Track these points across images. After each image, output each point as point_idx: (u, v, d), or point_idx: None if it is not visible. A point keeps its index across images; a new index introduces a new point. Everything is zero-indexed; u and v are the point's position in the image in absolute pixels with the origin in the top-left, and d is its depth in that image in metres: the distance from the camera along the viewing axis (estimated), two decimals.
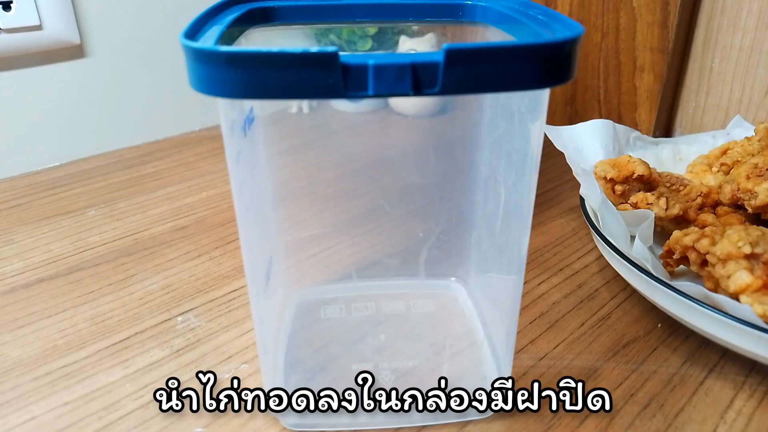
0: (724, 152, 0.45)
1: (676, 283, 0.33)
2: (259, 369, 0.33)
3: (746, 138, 0.45)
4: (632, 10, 0.57)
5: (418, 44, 0.34)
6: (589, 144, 0.47)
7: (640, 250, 0.35)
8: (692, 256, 0.35)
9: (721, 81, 0.58)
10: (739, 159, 0.43)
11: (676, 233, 0.36)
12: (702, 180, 0.44)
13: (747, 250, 0.31)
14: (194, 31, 0.21)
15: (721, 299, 0.30)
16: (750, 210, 0.39)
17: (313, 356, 0.32)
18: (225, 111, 0.23)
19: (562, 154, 0.44)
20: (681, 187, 0.42)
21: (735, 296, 0.31)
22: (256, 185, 0.27)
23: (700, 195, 0.42)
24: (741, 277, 0.31)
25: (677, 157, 0.50)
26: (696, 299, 0.31)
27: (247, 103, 0.25)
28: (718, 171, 0.44)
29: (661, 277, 0.33)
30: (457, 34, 0.31)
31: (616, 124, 0.48)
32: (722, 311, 0.30)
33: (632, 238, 0.40)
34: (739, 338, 0.30)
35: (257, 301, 0.27)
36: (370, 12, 0.29)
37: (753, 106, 0.56)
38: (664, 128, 0.62)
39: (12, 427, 0.30)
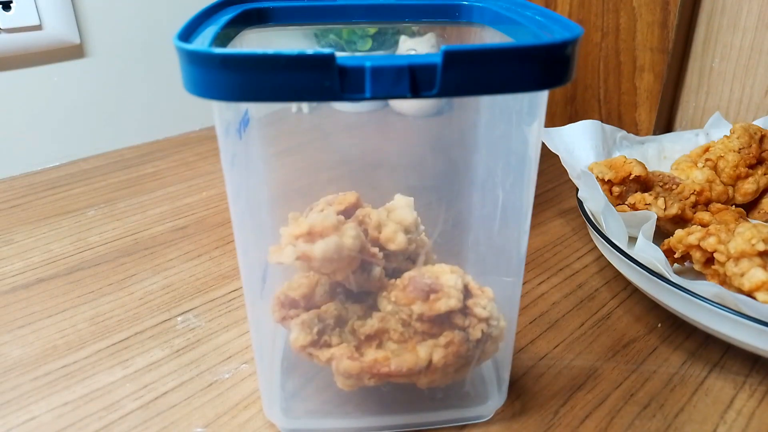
0: (706, 150, 0.46)
1: (683, 282, 0.33)
2: None
3: (725, 136, 0.46)
4: (632, 10, 0.57)
5: (417, 44, 0.34)
6: (579, 146, 0.47)
7: (650, 251, 0.35)
8: (696, 254, 0.35)
9: (721, 81, 0.57)
10: (722, 155, 0.44)
11: (679, 232, 0.36)
12: (689, 176, 0.44)
13: (761, 247, 0.32)
14: (188, 32, 0.21)
15: (741, 298, 0.30)
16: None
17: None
18: (220, 113, 0.23)
19: None
20: (674, 186, 0.43)
21: (750, 293, 0.32)
22: (251, 188, 0.27)
23: (693, 193, 0.42)
24: (756, 274, 0.31)
25: (662, 155, 0.51)
26: (715, 302, 0.31)
27: (243, 105, 0.25)
28: (703, 166, 0.45)
29: (674, 279, 0.33)
30: (457, 35, 0.31)
31: (604, 125, 0.49)
32: (730, 308, 0.30)
33: (630, 238, 0.40)
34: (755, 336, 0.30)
35: (253, 304, 0.27)
36: (365, 13, 0.28)
37: (753, 106, 0.56)
38: (665, 128, 0.62)
39: (12, 427, 0.30)
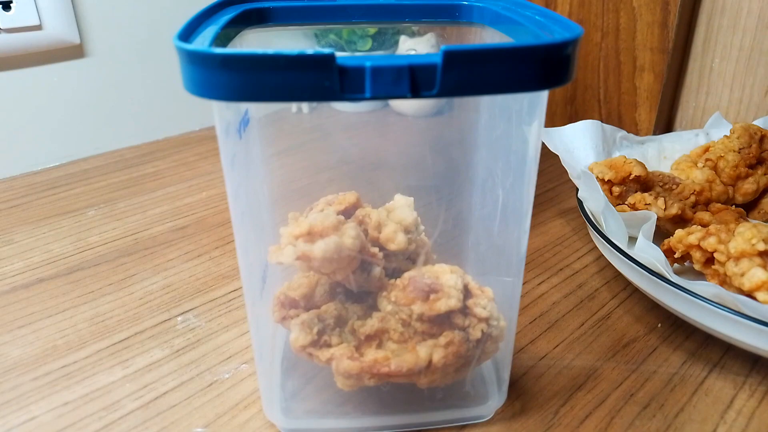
0: (706, 150, 0.47)
1: (684, 282, 0.33)
2: None
3: (725, 136, 0.46)
4: (632, 10, 0.57)
5: (417, 44, 0.34)
6: (579, 146, 0.47)
7: (650, 251, 0.35)
8: (696, 254, 0.35)
9: (721, 81, 0.57)
10: (722, 155, 0.44)
11: (679, 232, 0.36)
12: (689, 176, 0.44)
13: (761, 247, 0.32)
14: (188, 32, 0.21)
15: (741, 299, 0.30)
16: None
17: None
18: (220, 113, 0.23)
19: None
20: (674, 186, 0.43)
21: (750, 293, 0.32)
22: (251, 187, 0.27)
23: (693, 193, 0.42)
24: (756, 274, 0.31)
25: (662, 155, 0.51)
26: (715, 302, 0.31)
27: (243, 105, 0.25)
28: (703, 166, 0.45)
29: (674, 279, 0.33)
30: (457, 35, 0.31)
31: (604, 124, 0.49)
32: (730, 308, 0.30)
33: (630, 238, 0.40)
34: (755, 336, 0.30)
35: (253, 305, 0.27)
36: (365, 13, 0.28)
37: (753, 106, 0.56)
38: (665, 128, 0.62)
39: (12, 427, 0.30)
